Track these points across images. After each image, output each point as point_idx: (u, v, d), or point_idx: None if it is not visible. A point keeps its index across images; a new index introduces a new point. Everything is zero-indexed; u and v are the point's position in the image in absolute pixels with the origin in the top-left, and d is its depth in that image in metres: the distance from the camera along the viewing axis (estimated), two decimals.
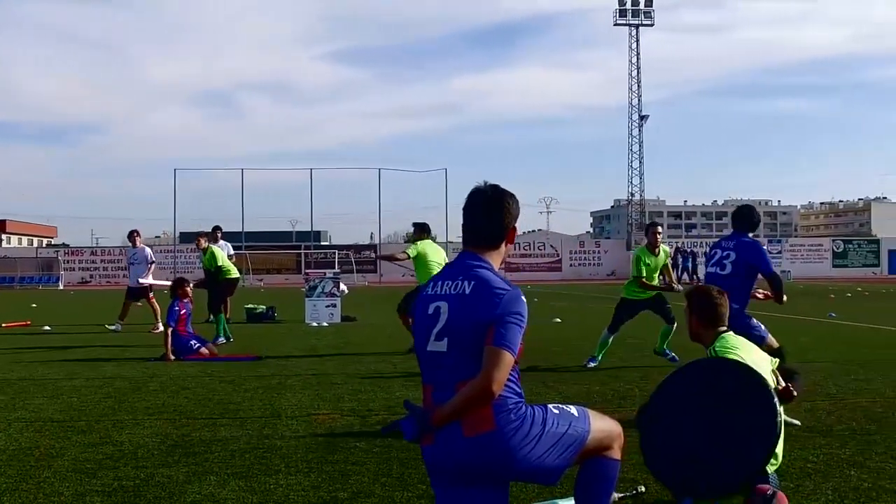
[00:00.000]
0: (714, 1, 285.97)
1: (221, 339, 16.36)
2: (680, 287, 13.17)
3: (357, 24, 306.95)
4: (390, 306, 15.10)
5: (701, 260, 58.36)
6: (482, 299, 4.01)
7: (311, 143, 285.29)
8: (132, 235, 21.45)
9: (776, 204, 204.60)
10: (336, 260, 62.76)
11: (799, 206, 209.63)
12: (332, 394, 10.42)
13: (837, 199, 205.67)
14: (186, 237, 73.19)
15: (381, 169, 63.60)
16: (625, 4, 76.87)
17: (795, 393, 5.40)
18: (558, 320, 21.73)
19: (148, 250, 21.35)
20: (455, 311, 4.06)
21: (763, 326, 8.86)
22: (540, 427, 4.07)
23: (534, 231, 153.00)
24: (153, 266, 21.24)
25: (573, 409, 4.32)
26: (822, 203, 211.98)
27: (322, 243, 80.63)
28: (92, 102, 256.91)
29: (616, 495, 5.34)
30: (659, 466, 5.12)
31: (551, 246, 71.99)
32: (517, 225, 4.39)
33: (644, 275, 12.82)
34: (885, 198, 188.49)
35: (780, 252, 69.21)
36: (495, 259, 4.28)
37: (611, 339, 13.01)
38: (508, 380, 4.01)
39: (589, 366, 12.66)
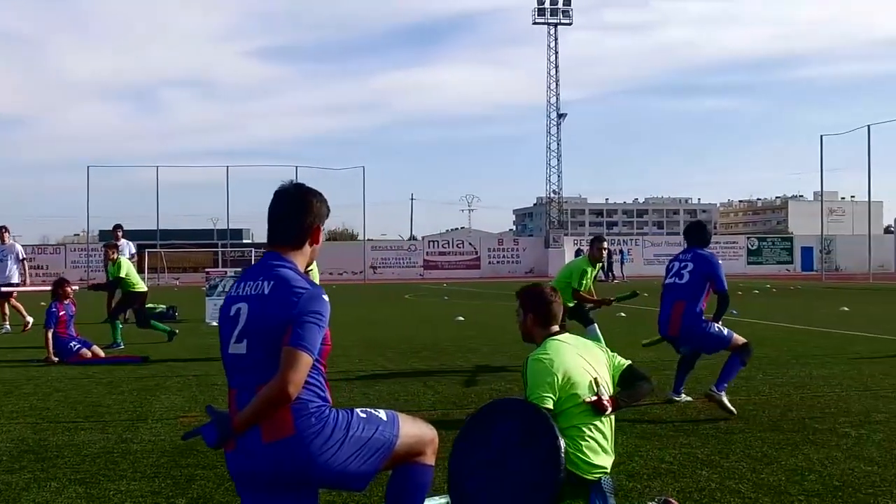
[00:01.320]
0: (638, 1, 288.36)
1: (119, 346, 15.90)
2: (612, 300, 13.11)
3: (281, 21, 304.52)
4: None
5: (617, 258, 58.94)
6: (280, 299, 3.89)
7: (234, 141, 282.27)
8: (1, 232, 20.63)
9: (696, 202, 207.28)
10: (252, 258, 62.22)
11: (718, 204, 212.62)
12: (208, 396, 10.21)
13: (756, 197, 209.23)
14: (106, 236, 72.14)
15: (297, 166, 62.96)
16: (543, 3, 77.17)
17: (609, 405, 5.20)
18: (461, 319, 21.64)
19: (18, 247, 20.74)
20: (254, 312, 3.93)
21: (725, 330, 9.18)
22: (343, 432, 3.94)
23: (456, 229, 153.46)
24: (23, 264, 20.58)
25: (382, 414, 4.21)
26: (740, 201, 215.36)
27: (244, 241, 79.83)
28: (3, 97, 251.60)
29: None
30: None
31: (470, 244, 72.07)
32: (323, 225, 4.29)
33: (582, 288, 12.63)
34: (801, 196, 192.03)
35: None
36: (299, 259, 4.16)
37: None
38: (311, 383, 3.90)
39: None
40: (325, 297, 3.97)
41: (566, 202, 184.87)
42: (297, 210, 4.16)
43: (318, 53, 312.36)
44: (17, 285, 20.37)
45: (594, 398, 5.11)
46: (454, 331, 18.53)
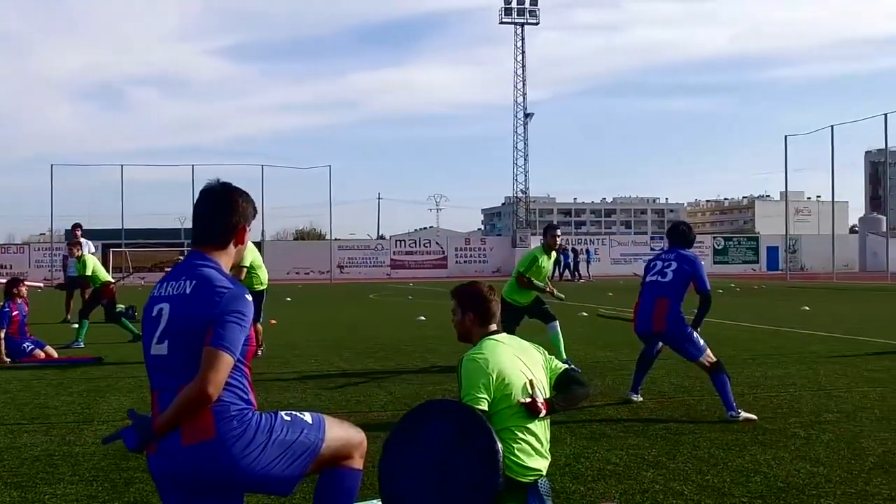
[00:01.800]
0: (607, 1, 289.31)
1: (78, 344, 15.81)
2: (562, 295, 12.98)
3: (248, 20, 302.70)
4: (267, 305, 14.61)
5: (583, 257, 59.02)
6: (202, 298, 3.81)
7: (201, 139, 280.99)
8: None
9: (664, 202, 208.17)
10: None
11: (686, 204, 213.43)
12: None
13: (723, 197, 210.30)
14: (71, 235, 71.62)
15: (263, 165, 62.79)
16: (510, 3, 77.24)
17: (543, 408, 5.12)
18: (422, 319, 21.57)
19: None
20: (175, 312, 3.85)
21: (702, 342, 9.07)
22: (266, 435, 3.86)
23: (425, 228, 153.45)
24: None
25: (307, 417, 4.13)
26: (708, 201, 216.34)
27: None
28: None
29: None
30: None
31: (437, 243, 72.03)
32: (250, 224, 4.18)
33: (533, 276, 12.48)
34: (768, 196, 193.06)
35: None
36: (224, 259, 4.07)
37: None
38: (233, 385, 3.82)
39: None
40: (248, 297, 3.89)
41: (534, 202, 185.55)
42: (222, 209, 4.07)
43: (286, 52, 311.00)
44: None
45: (528, 400, 5.05)
46: (414, 331, 18.45)
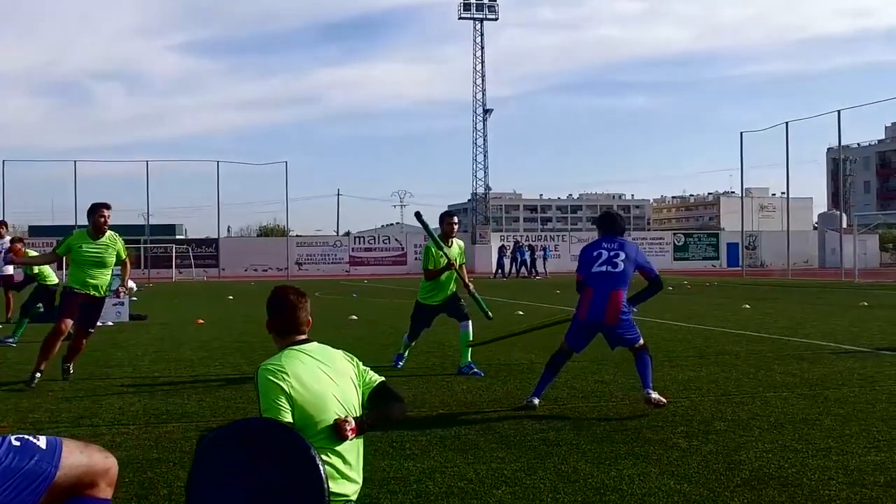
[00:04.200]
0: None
1: (11, 341, 15.60)
2: (474, 290, 12.40)
3: (211, 15, 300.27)
4: (197, 302, 14.05)
5: (540, 254, 58.72)
6: None
7: (162, 135, 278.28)
8: None
9: (630, 198, 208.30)
10: (173, 254, 61.30)
11: (651, 201, 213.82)
12: (34, 402, 9.62)
13: (688, 193, 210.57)
14: (36, 231, 70.52)
15: (219, 161, 62.28)
16: None
17: (350, 430, 4.68)
18: (354, 318, 21.10)
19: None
20: None
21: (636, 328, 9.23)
22: None
23: (390, 224, 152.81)
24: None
25: (42, 442, 3.69)
26: (673, 197, 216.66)
27: (178, 237, 78.33)
28: None
29: None
30: None
31: (396, 240, 71.63)
32: None
33: (433, 266, 12.08)
34: (733, 192, 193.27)
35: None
36: None
37: (412, 343, 12.67)
38: None
39: (398, 366, 12.34)
40: None
41: (500, 198, 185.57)
42: None
43: (244, 48, 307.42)
44: (12, 278, 20.37)
45: (333, 422, 4.62)
46: (335, 331, 17.96)
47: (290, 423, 4.55)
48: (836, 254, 65.54)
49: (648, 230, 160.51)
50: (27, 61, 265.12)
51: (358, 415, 4.82)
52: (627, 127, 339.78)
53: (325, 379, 4.75)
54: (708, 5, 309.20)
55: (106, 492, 3.86)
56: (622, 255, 9.06)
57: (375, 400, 4.98)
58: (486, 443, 7.54)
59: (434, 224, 12.50)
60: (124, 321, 20.91)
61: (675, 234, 78.11)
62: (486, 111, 77.53)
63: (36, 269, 16.72)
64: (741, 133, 55.68)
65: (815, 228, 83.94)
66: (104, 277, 11.36)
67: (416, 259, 68.02)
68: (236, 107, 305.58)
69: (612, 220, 9.52)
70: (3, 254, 20.89)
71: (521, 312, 21.91)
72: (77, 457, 3.76)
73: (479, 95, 77.58)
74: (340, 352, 5.07)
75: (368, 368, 5.10)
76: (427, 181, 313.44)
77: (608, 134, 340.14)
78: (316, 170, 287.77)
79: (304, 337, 4.98)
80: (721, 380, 10.94)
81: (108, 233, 11.39)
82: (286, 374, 4.65)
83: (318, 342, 5.05)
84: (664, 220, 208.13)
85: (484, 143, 77.76)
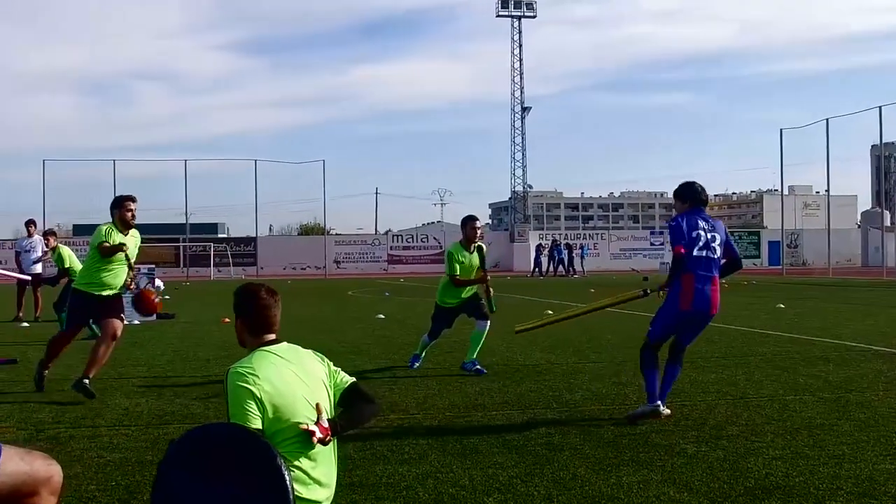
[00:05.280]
0: None
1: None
2: (491, 289, 12.07)
3: (246, 15, 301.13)
4: (227, 300, 13.82)
5: (577, 252, 58.40)
6: None
7: (200, 134, 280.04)
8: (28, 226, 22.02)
9: (671, 196, 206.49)
10: (211, 253, 61.57)
11: None
12: (41, 403, 9.54)
13: (731, 191, 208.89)
14: (80, 230, 71.02)
15: (256, 160, 62.44)
16: None
17: (322, 432, 4.46)
18: (381, 317, 20.94)
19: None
20: None
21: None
22: None
23: (432, 223, 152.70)
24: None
25: None
26: (716, 195, 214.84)
27: (220, 235, 78.73)
28: None
29: None
30: None
31: (434, 238, 71.48)
32: None
33: (458, 273, 11.80)
34: (776, 190, 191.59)
35: (661, 244, 69.48)
36: None
37: (431, 343, 12.40)
38: None
39: (413, 366, 12.08)
40: None
41: (541, 196, 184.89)
42: None
43: (283, 47, 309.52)
44: (40, 276, 21.17)
45: (306, 426, 4.42)
46: (360, 330, 17.80)
47: (258, 429, 4.37)
48: (879, 252, 64.66)
49: None
50: (69, 61, 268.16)
51: (329, 417, 4.63)
52: (671, 124, 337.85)
53: (296, 381, 4.56)
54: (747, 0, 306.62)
55: (49, 500, 3.72)
56: (718, 239, 8.28)
57: (347, 401, 4.79)
58: (487, 447, 7.33)
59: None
60: (151, 320, 20.86)
61: None
62: (524, 109, 77.21)
63: (68, 264, 16.79)
64: (781, 130, 55.13)
65: (858, 226, 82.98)
66: (124, 275, 10.70)
67: None
68: (275, 105, 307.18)
69: (699, 191, 8.53)
70: (31, 252, 21.06)
71: (549, 311, 21.61)
72: (18, 463, 3.62)
73: (517, 93, 77.32)
74: (310, 352, 4.87)
75: (339, 369, 4.90)
76: (467, 179, 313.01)
77: (648, 131, 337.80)
78: (356, 168, 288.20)
79: (273, 337, 4.79)
80: (741, 382, 10.65)
81: (133, 228, 10.77)
82: (257, 376, 4.47)
83: (288, 342, 4.86)
84: None
85: (522, 141, 77.54)
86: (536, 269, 57.57)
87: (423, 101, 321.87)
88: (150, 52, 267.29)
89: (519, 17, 77.22)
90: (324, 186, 62.81)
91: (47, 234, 19.81)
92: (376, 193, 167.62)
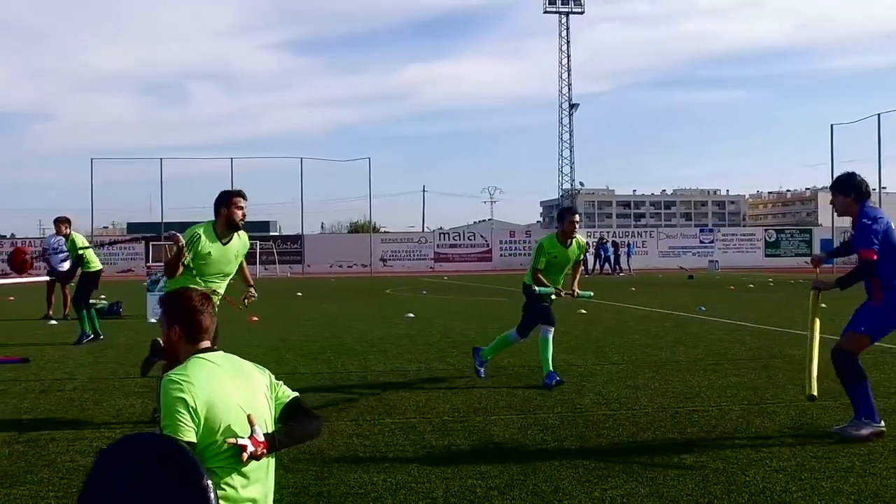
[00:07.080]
0: None
1: (90, 337, 15.62)
2: (579, 292, 11.29)
3: (305, 13, 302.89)
4: (263, 297, 13.55)
5: (623, 250, 57.69)
6: None
7: (251, 132, 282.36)
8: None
9: (724, 193, 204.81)
10: (257, 251, 61.61)
11: (747, 196, 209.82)
12: (35, 402, 9.36)
13: (785, 188, 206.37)
14: (134, 228, 71.65)
15: (302, 158, 62.35)
16: None
17: (258, 447, 4.12)
18: (411, 316, 20.58)
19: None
20: None
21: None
22: None
23: (482, 221, 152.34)
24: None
25: None
26: (769, 192, 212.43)
27: (271, 233, 78.87)
28: (28, 91, 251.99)
29: None
30: None
31: (481, 236, 70.98)
32: None
33: (542, 267, 10.86)
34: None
35: (711, 242, 68.50)
36: None
37: (513, 342, 11.24)
38: None
39: (480, 376, 10.99)
40: None
41: (593, 193, 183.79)
42: None
43: (336, 45, 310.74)
44: (70, 274, 20.41)
45: (238, 440, 4.09)
46: (383, 329, 17.47)
47: (190, 441, 4.05)
48: None
49: (744, 226, 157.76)
50: (125, 61, 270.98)
51: (269, 430, 4.30)
52: (722, 120, 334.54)
53: (234, 391, 4.24)
54: None
55: None
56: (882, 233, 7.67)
57: (289, 417, 4.46)
58: (475, 455, 6.98)
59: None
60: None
61: (766, 230, 76.15)
62: (572, 106, 76.72)
63: (81, 253, 16.44)
64: (831, 126, 53.99)
65: None
66: (222, 290, 9.09)
67: (501, 256, 67.56)
68: (324, 104, 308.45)
69: (851, 182, 7.86)
70: (59, 250, 20.90)
71: (583, 311, 21.18)
72: None
73: (565, 90, 76.79)
74: (250, 363, 4.55)
75: (281, 382, 4.57)
76: (517, 177, 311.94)
77: (700, 128, 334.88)
78: (404, 167, 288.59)
79: (207, 344, 4.46)
80: (762, 386, 10.18)
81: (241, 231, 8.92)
82: (192, 384, 4.15)
83: (224, 351, 4.53)
84: (759, 215, 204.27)
85: (570, 139, 77.01)
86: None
87: (472, 100, 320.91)
88: (206, 52, 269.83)
89: (567, 13, 76.72)
90: (369, 184, 62.95)
91: (59, 221, 18.78)
92: (423, 191, 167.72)
